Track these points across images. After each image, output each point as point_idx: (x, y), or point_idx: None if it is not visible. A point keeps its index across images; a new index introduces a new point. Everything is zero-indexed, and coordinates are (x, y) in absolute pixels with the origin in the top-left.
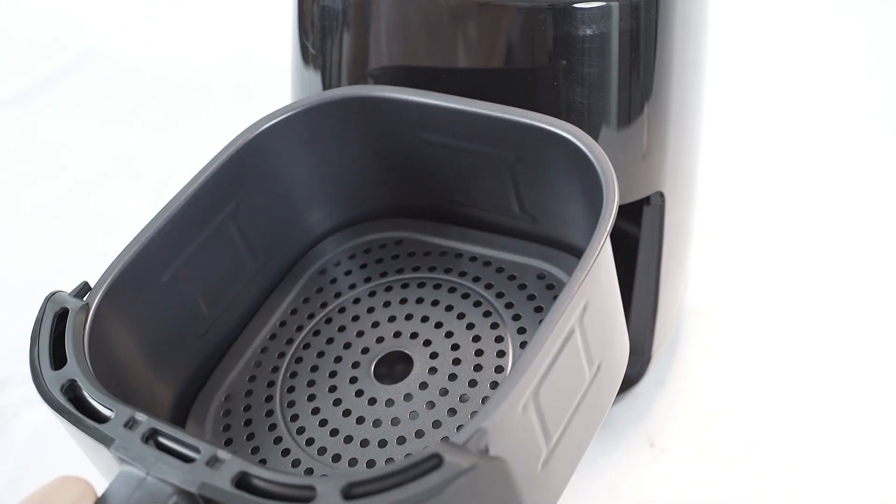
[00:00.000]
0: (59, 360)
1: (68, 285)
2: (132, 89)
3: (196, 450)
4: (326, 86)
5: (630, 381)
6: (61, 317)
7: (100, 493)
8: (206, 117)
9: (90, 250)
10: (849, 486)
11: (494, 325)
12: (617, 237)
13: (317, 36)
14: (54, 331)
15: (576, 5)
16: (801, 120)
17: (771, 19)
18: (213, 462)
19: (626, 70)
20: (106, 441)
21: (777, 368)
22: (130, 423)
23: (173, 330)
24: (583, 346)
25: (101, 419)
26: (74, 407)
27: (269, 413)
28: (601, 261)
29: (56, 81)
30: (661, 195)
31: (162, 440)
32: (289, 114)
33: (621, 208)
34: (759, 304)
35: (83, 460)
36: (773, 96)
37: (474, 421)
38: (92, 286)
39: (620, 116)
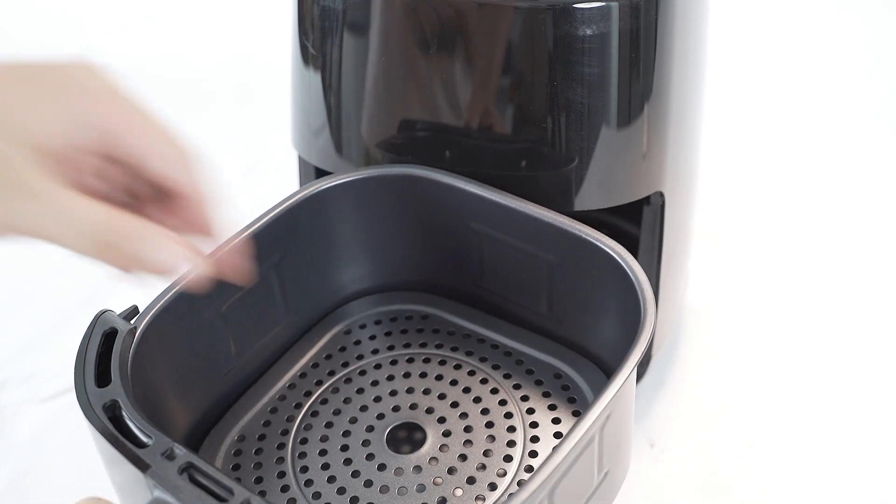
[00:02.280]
0: (102, 378)
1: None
2: (132, 89)
3: (230, 491)
4: (326, 86)
5: None
6: (108, 335)
7: None
8: (207, 117)
9: None
10: (849, 486)
11: (508, 415)
12: (617, 237)
13: (317, 36)
14: (100, 348)
15: (576, 5)
16: (800, 120)
17: (771, 19)
18: None
19: (626, 70)
20: (142, 466)
21: (777, 368)
22: (168, 454)
23: (201, 363)
24: (597, 453)
25: (138, 443)
26: (113, 426)
27: (280, 460)
28: (631, 377)
29: None
30: (661, 195)
31: (196, 476)
32: (347, 179)
33: (621, 208)
34: (759, 304)
35: (83, 461)
36: (772, 96)
37: None
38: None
39: (620, 116)
